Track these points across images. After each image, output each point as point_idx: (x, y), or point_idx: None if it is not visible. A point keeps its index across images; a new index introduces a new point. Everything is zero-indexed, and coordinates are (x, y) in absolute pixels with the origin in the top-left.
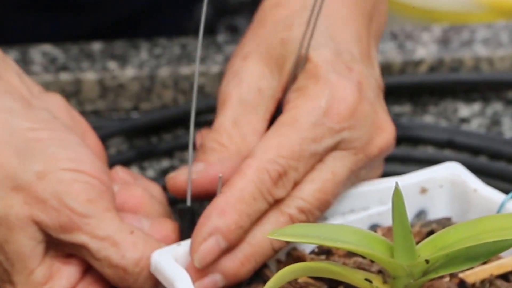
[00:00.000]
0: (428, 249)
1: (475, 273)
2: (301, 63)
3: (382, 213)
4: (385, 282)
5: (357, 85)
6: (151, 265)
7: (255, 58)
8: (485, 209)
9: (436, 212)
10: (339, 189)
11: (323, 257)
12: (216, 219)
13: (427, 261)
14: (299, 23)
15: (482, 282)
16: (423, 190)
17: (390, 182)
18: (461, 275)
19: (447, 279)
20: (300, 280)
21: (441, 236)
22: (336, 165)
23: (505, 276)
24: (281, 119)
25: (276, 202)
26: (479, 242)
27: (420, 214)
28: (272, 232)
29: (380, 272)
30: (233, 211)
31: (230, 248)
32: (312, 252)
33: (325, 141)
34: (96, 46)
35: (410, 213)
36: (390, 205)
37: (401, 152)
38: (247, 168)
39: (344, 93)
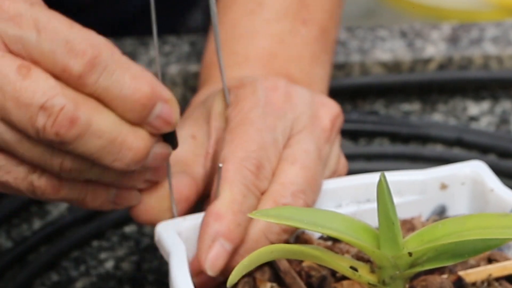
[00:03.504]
0: (414, 242)
1: (476, 272)
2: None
3: (398, 204)
4: (372, 271)
5: (284, 79)
6: (155, 236)
7: (189, 119)
8: (500, 210)
9: (456, 209)
10: (319, 167)
11: (329, 243)
12: (215, 224)
13: (410, 254)
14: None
15: (483, 281)
16: (443, 186)
17: (408, 175)
18: (461, 272)
19: (445, 275)
20: (305, 264)
21: (429, 230)
22: (304, 145)
23: (509, 278)
24: (232, 125)
25: (265, 194)
26: (463, 238)
27: (440, 210)
28: (255, 212)
29: (369, 261)
30: (228, 212)
31: (236, 249)
32: (321, 237)
33: (279, 127)
34: None
35: (428, 208)
36: (407, 197)
37: (410, 150)
38: (226, 173)
39: (273, 82)
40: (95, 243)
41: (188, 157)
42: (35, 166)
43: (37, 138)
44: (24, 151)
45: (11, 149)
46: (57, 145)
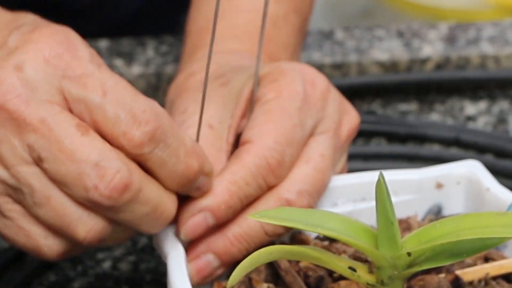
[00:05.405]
0: (412, 242)
1: (473, 271)
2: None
3: (394, 204)
4: (371, 272)
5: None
6: (153, 237)
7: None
8: (496, 209)
9: (452, 209)
10: (330, 172)
11: (326, 243)
12: (207, 198)
13: (409, 254)
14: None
15: (480, 281)
16: (439, 185)
17: (404, 174)
18: (458, 272)
19: (443, 274)
20: (302, 264)
21: (427, 230)
22: (321, 147)
23: (506, 277)
24: (268, 106)
25: (273, 189)
26: (461, 238)
27: (436, 209)
28: (254, 213)
29: (367, 261)
30: (224, 192)
31: (218, 225)
32: (317, 237)
33: (308, 124)
34: (103, 44)
35: (423, 207)
36: (402, 197)
37: (407, 150)
38: (245, 154)
39: (312, 76)
40: None
41: (209, 153)
42: (50, 229)
43: (80, 197)
44: (48, 209)
45: (35, 201)
46: (101, 209)
